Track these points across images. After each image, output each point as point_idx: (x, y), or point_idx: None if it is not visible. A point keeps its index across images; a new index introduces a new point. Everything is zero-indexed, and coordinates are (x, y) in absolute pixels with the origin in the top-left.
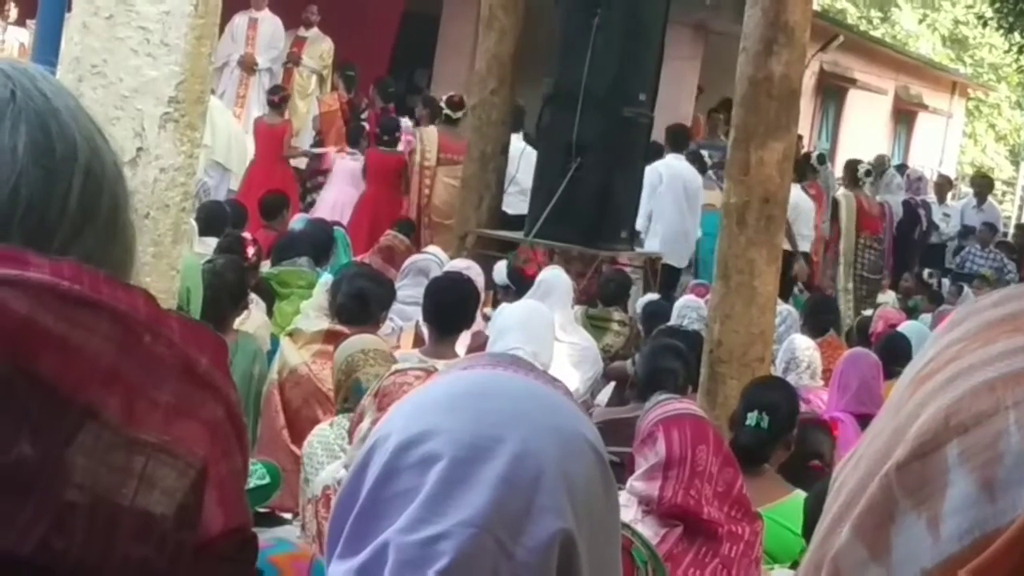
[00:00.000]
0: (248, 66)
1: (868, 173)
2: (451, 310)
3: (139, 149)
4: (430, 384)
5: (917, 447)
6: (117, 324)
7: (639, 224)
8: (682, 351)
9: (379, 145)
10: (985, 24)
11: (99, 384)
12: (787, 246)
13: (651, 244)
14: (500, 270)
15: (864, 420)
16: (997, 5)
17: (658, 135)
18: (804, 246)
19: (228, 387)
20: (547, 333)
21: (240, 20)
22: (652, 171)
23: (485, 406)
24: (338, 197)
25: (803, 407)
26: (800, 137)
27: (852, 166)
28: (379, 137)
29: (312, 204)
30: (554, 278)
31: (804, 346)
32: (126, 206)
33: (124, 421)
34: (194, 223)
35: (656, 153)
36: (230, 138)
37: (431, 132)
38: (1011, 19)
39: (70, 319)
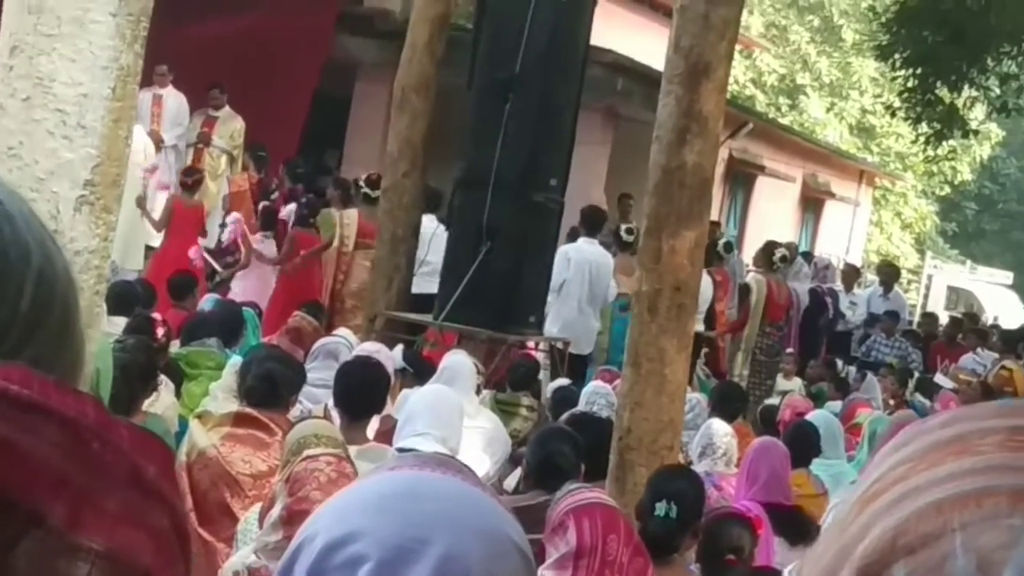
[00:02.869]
0: (154, 143)
1: (784, 259)
2: (362, 394)
3: (54, 232)
4: (357, 485)
5: (863, 567)
6: (66, 430)
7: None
8: (571, 435)
9: (303, 226)
10: (893, 114)
11: (46, 490)
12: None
13: (553, 329)
14: (397, 353)
15: (772, 509)
16: (905, 95)
17: (568, 220)
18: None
19: (175, 497)
20: (455, 418)
21: (144, 96)
22: (561, 254)
23: (412, 508)
24: (264, 280)
25: (716, 494)
26: (717, 224)
27: (769, 250)
28: (305, 219)
29: (220, 284)
30: (458, 363)
31: (722, 432)
32: (77, 312)
33: (69, 527)
34: (103, 304)
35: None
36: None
37: (352, 215)
38: (919, 109)
39: (18, 424)
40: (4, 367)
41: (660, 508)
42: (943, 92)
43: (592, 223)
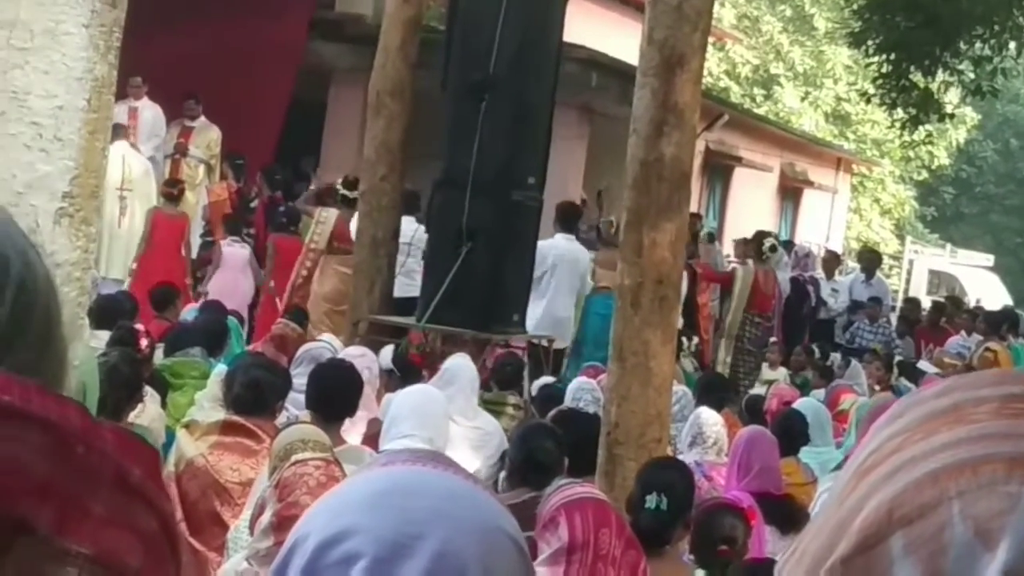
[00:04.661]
0: None
1: (773, 249)
2: (334, 397)
3: None
4: (349, 482)
5: (861, 540)
6: (48, 435)
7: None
8: (553, 430)
9: (283, 232)
10: (868, 100)
11: (32, 496)
12: None
13: (535, 324)
14: (385, 355)
15: (762, 499)
16: (879, 81)
17: (548, 217)
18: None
19: (162, 498)
20: (441, 418)
21: (119, 109)
22: (539, 251)
23: (406, 504)
24: (231, 285)
25: (706, 484)
26: (698, 215)
27: (759, 239)
28: (285, 225)
29: (205, 295)
30: (458, 367)
31: (711, 421)
32: (59, 320)
33: (56, 532)
34: (85, 315)
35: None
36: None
37: (330, 213)
38: (894, 95)
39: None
40: None
41: (650, 500)
42: (917, 77)
43: (567, 218)
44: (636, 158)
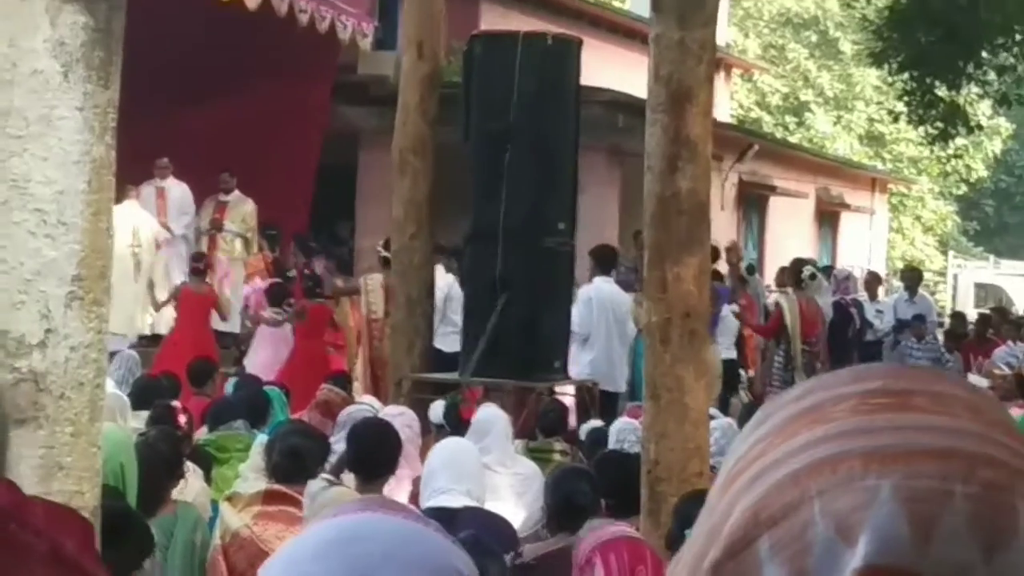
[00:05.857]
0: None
1: (813, 276)
2: (371, 455)
3: (47, 331)
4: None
5: (729, 545)
6: None
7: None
8: (587, 472)
9: (311, 298)
10: (896, 119)
11: None
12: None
13: (583, 369)
14: (436, 410)
15: None
16: (906, 98)
17: (584, 261)
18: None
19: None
20: (476, 469)
21: (147, 191)
22: (581, 295)
23: (354, 551)
24: (272, 358)
25: None
26: (738, 248)
27: (797, 267)
28: (311, 290)
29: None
30: (490, 416)
31: None
32: None
33: None
34: (126, 398)
35: None
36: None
37: (375, 280)
38: (921, 111)
39: None
40: None
41: (689, 535)
42: (942, 91)
43: (604, 261)
44: (653, 194)
